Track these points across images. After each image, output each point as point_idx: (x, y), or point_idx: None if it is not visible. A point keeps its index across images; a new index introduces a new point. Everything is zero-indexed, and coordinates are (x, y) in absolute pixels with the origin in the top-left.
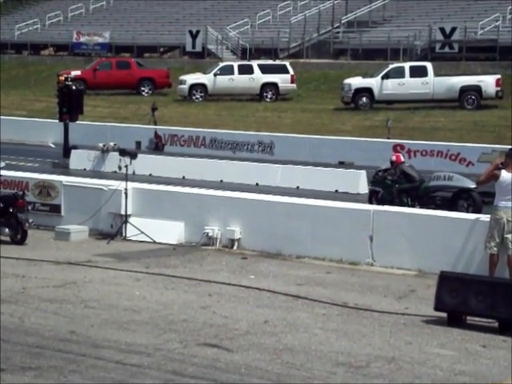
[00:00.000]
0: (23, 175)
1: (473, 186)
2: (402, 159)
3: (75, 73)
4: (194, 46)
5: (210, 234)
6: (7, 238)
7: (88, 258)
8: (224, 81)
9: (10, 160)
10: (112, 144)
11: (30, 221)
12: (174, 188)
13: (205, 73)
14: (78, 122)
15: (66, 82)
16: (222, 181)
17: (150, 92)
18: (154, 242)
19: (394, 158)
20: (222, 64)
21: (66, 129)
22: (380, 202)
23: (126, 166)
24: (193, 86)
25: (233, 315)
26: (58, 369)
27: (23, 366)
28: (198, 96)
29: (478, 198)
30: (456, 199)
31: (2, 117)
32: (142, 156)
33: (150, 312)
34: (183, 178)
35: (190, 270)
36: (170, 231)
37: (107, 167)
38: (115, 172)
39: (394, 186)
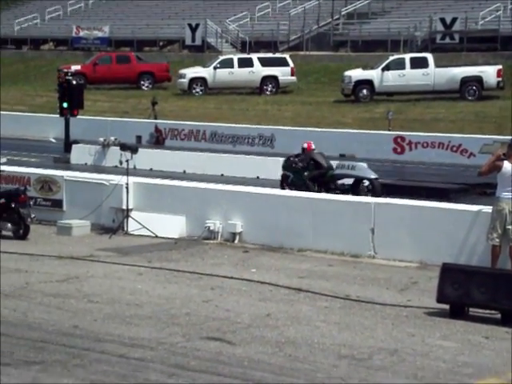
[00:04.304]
0: (25, 170)
1: (373, 176)
2: (313, 147)
3: (75, 67)
4: (193, 40)
5: (211, 228)
6: (9, 233)
7: (90, 253)
8: (224, 74)
9: (11, 155)
10: (113, 138)
11: (32, 216)
12: (175, 182)
13: (204, 66)
14: (78, 116)
15: (67, 77)
16: (222, 174)
17: (150, 86)
18: (156, 236)
19: (305, 145)
20: (221, 57)
21: (67, 123)
22: (290, 186)
23: (127, 161)
24: (193, 80)
25: (235, 308)
26: (61, 363)
27: (27, 361)
28: (197, 90)
29: (378, 186)
30: (357, 186)
31: (2, 112)
32: (143, 150)
33: (152, 306)
34: (184, 172)
35: (192, 264)
36: (172, 225)
37: (108, 162)
38: (116, 166)
39: (304, 172)
